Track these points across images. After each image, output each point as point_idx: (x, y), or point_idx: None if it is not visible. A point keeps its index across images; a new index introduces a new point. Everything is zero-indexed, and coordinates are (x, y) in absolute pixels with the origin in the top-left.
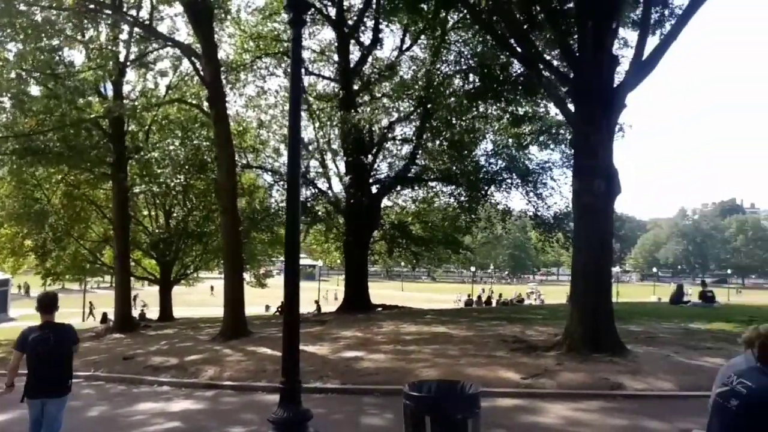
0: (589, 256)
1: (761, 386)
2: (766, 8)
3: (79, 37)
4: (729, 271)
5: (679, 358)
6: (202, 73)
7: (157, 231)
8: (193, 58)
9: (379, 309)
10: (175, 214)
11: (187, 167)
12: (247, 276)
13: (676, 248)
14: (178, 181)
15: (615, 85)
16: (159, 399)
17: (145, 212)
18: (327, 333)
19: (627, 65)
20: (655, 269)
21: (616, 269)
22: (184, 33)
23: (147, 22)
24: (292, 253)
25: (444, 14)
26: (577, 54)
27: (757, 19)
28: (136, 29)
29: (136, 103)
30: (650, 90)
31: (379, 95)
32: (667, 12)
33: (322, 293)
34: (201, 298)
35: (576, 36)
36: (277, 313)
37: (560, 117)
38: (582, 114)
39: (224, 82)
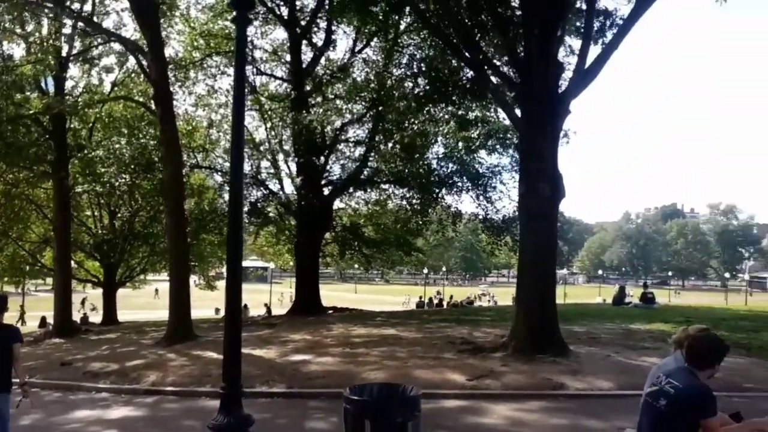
0: (535, 259)
1: (688, 386)
2: (704, 22)
3: (18, 30)
4: (670, 273)
5: (618, 358)
6: (148, 70)
7: (100, 232)
8: (138, 55)
9: (330, 311)
10: (120, 215)
11: (132, 167)
12: (196, 278)
13: (621, 251)
14: (123, 180)
15: (560, 92)
16: (96, 406)
17: (89, 212)
18: (276, 336)
19: (572, 72)
20: (600, 271)
21: (563, 271)
22: (132, 28)
23: (91, 17)
24: (234, 255)
25: (396, 17)
26: (524, 60)
27: (695, 31)
28: (79, 23)
29: (79, 100)
30: (596, 97)
31: (332, 97)
32: (608, 22)
33: (278, 295)
34: (148, 301)
35: (523, 42)
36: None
37: (508, 122)
38: (528, 119)
39: (173, 79)
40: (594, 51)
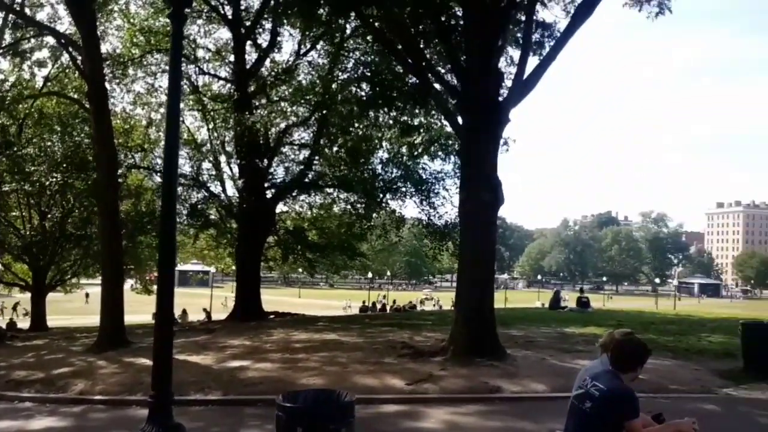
0: (474, 264)
1: (611, 388)
2: (640, 36)
3: None
4: (605, 279)
5: (553, 361)
6: (82, 65)
7: (29, 233)
8: (72, 50)
9: (272, 316)
10: (51, 216)
11: (65, 165)
12: (132, 282)
13: (559, 257)
14: (55, 179)
15: (500, 100)
16: (18, 417)
17: (17, 213)
18: (213, 342)
19: (512, 82)
20: (540, 276)
21: (504, 276)
22: (67, 22)
23: (22, 7)
24: (166, 258)
25: (342, 21)
26: (466, 68)
27: (631, 46)
28: (10, 15)
29: (8, 95)
30: (537, 107)
31: (277, 99)
32: (546, 34)
33: (221, 300)
34: (80, 305)
35: (465, 51)
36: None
37: (451, 128)
38: (469, 126)
39: (110, 76)
40: (533, 62)
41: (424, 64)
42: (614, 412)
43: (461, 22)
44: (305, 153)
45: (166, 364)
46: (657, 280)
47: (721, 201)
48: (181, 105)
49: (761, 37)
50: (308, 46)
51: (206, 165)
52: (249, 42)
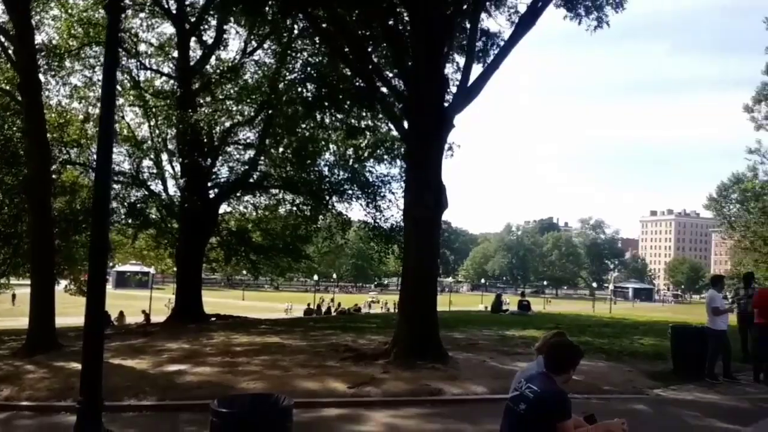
0: (417, 267)
1: (545, 390)
2: (583, 45)
3: None
4: (545, 283)
5: (493, 363)
6: (14, 56)
7: None
8: (3, 39)
9: (213, 319)
10: None
11: None
12: (66, 283)
13: (502, 261)
14: None
15: (446, 106)
16: None
17: None
18: (150, 345)
19: (456, 88)
20: (483, 280)
21: (449, 279)
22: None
23: None
24: (97, 257)
25: (289, 21)
26: (412, 73)
27: (577, 55)
28: None
29: None
30: (482, 114)
31: (222, 97)
32: (491, 43)
33: (164, 302)
34: (7, 307)
35: (412, 56)
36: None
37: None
38: (414, 131)
39: (45, 68)
40: (478, 69)
41: (371, 67)
42: (546, 413)
43: (408, 28)
44: (250, 153)
45: (95, 367)
46: (594, 285)
47: (655, 209)
48: (121, 100)
49: (693, 54)
50: (255, 45)
51: (147, 163)
52: (193, 38)
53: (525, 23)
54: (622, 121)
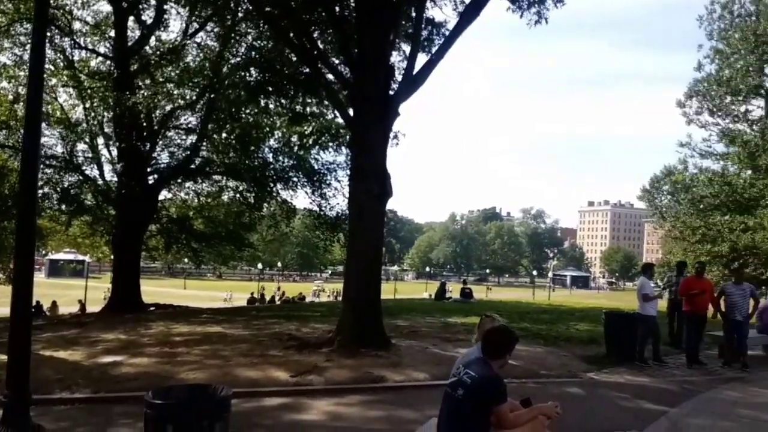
0: (361, 255)
1: (482, 376)
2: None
3: None
4: (488, 271)
5: (435, 350)
6: None
7: None
8: None
9: (152, 308)
10: None
11: None
12: None
13: (447, 249)
14: None
15: (391, 94)
16: None
17: None
18: (84, 336)
19: (402, 77)
20: (428, 268)
21: (395, 268)
22: None
23: None
24: (24, 244)
25: (233, 3)
26: (358, 60)
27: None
28: None
29: None
30: (428, 102)
31: (162, 80)
32: (436, 32)
33: (102, 291)
34: None
35: (357, 43)
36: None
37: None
38: (359, 118)
39: None
40: (423, 58)
41: (316, 53)
42: (483, 398)
43: (354, 14)
44: (192, 138)
45: (22, 359)
46: (534, 273)
47: (592, 200)
48: (54, 80)
49: (633, 51)
50: (197, 26)
51: (81, 146)
52: (132, 18)
53: (469, 13)
54: (568, 115)
